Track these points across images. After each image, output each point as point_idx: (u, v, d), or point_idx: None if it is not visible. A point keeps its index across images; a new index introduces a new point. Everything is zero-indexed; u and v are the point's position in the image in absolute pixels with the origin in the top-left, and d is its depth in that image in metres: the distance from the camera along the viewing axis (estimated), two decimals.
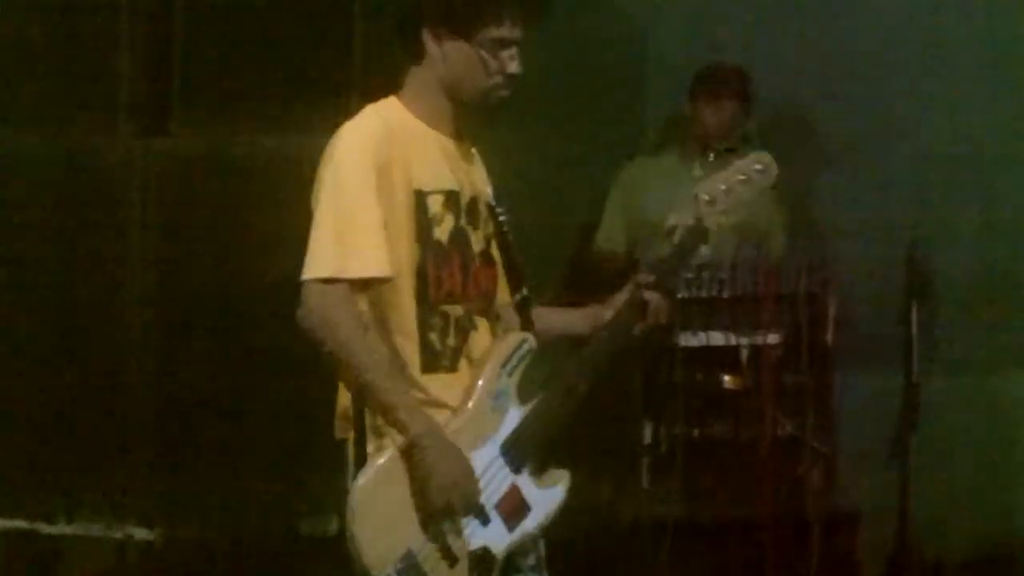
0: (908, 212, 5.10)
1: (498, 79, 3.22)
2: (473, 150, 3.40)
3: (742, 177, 3.44)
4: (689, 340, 4.44)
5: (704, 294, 4.49)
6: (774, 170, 3.47)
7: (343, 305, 3.09)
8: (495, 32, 3.19)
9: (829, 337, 4.52)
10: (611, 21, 5.29)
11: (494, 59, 3.21)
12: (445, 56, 3.22)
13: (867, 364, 4.83)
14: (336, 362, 3.12)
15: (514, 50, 3.22)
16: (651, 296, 3.38)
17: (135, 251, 4.77)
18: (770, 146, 4.95)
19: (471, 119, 3.32)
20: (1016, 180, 5.15)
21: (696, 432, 4.49)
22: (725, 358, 4.52)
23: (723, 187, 3.42)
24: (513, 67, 3.22)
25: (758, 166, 3.46)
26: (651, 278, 3.40)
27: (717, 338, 4.50)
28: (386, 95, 3.29)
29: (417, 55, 3.25)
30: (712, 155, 4.92)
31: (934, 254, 4.83)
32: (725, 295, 4.45)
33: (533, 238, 3.43)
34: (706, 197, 3.42)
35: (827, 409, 4.58)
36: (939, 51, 5.17)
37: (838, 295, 4.58)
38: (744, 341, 4.50)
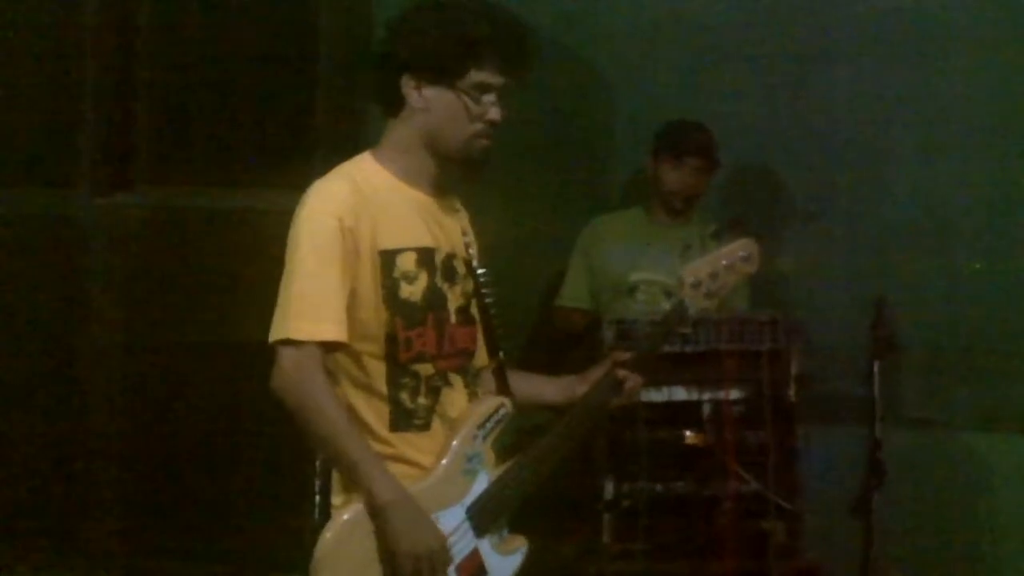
0: (873, 269, 5.14)
1: (480, 126, 3.21)
2: (458, 205, 3.39)
3: (726, 263, 3.49)
4: (652, 396, 4.43)
5: (667, 349, 4.48)
6: (757, 258, 3.53)
7: (315, 369, 3.09)
8: (477, 77, 3.19)
9: (792, 393, 4.52)
10: (579, 78, 5.31)
11: (477, 105, 3.19)
12: (427, 105, 3.20)
13: (831, 420, 4.86)
14: (305, 425, 3.11)
15: (495, 97, 3.21)
16: (626, 375, 3.42)
17: (97, 306, 4.77)
18: (735, 203, 5.20)
19: (455, 174, 3.30)
20: (983, 239, 5.18)
21: (659, 488, 4.47)
22: (688, 414, 4.52)
23: (708, 271, 3.47)
24: (495, 113, 3.21)
25: (743, 253, 3.53)
26: (627, 356, 3.44)
27: (679, 393, 4.50)
28: (351, 152, 3.29)
29: (396, 107, 3.23)
30: (673, 215, 4.98)
31: (898, 312, 4.85)
32: (688, 350, 4.45)
33: (500, 295, 3.43)
34: (691, 280, 3.46)
35: (791, 465, 4.57)
36: (907, 110, 5.20)
37: (802, 351, 4.59)
38: (707, 396, 4.50)
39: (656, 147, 4.99)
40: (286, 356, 3.09)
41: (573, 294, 5.08)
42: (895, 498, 4.79)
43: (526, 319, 5.21)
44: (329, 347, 3.13)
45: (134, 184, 4.79)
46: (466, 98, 3.18)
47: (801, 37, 5.25)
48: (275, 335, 3.11)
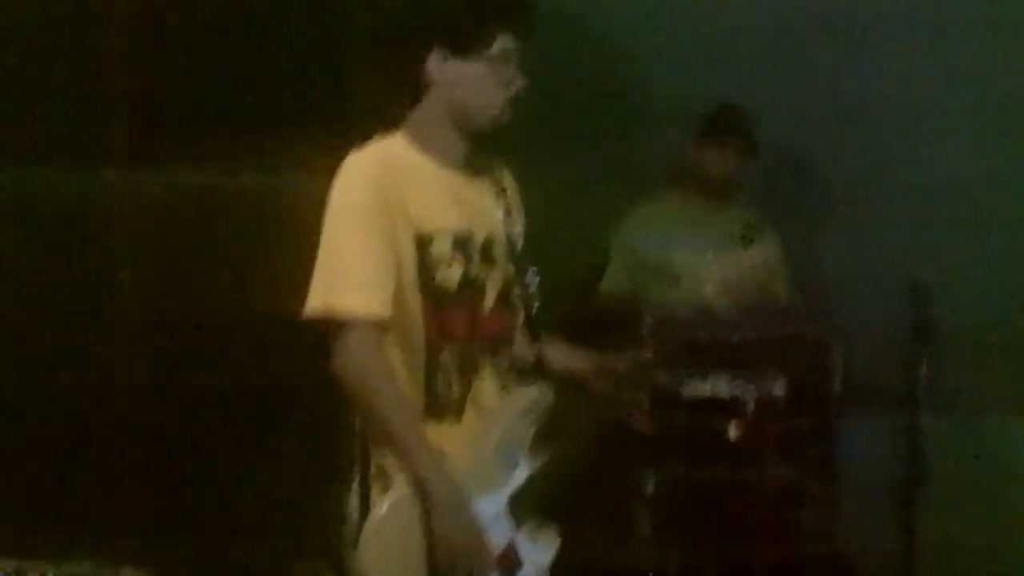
0: (913, 254, 5.06)
1: (508, 93, 3.16)
2: (505, 182, 3.34)
3: (754, 266, 3.49)
4: (691, 386, 4.37)
5: (707, 340, 4.43)
6: (784, 254, 3.53)
7: (379, 349, 3.06)
8: (502, 44, 3.14)
9: (835, 384, 4.47)
10: (614, 62, 5.25)
11: (504, 73, 3.15)
12: (454, 80, 3.15)
13: (871, 408, 4.80)
14: (365, 406, 3.08)
15: (515, 63, 3.18)
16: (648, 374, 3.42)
17: (127, 280, 4.71)
18: (773, 191, 5.13)
19: (484, 150, 3.26)
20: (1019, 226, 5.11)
21: (699, 480, 4.42)
22: (727, 404, 4.46)
23: (735, 275, 3.48)
24: (519, 79, 3.18)
25: (759, 250, 3.52)
26: (649, 357, 3.44)
27: (719, 383, 4.44)
28: (373, 132, 3.23)
29: (421, 86, 3.18)
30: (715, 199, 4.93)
31: (939, 297, 4.79)
32: (727, 340, 4.39)
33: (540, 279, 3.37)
34: (719, 283, 3.47)
35: (830, 455, 4.53)
36: (949, 93, 5.12)
37: (841, 338, 4.54)
38: (746, 387, 4.44)
39: (697, 131, 4.94)
40: (344, 335, 3.04)
41: (614, 281, 5.02)
42: (936, 487, 4.73)
43: (566, 304, 5.12)
44: (381, 326, 3.08)
45: (160, 161, 4.72)
46: (496, 67, 3.14)
47: (841, 19, 5.17)
48: (321, 308, 3.06)
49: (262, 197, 4.59)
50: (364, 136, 3.24)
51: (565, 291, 5.03)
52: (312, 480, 3.86)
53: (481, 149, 3.27)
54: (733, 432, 4.42)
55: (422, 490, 3.04)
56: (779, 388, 4.42)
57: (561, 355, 3.42)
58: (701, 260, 4.76)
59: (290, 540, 4.43)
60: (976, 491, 5.01)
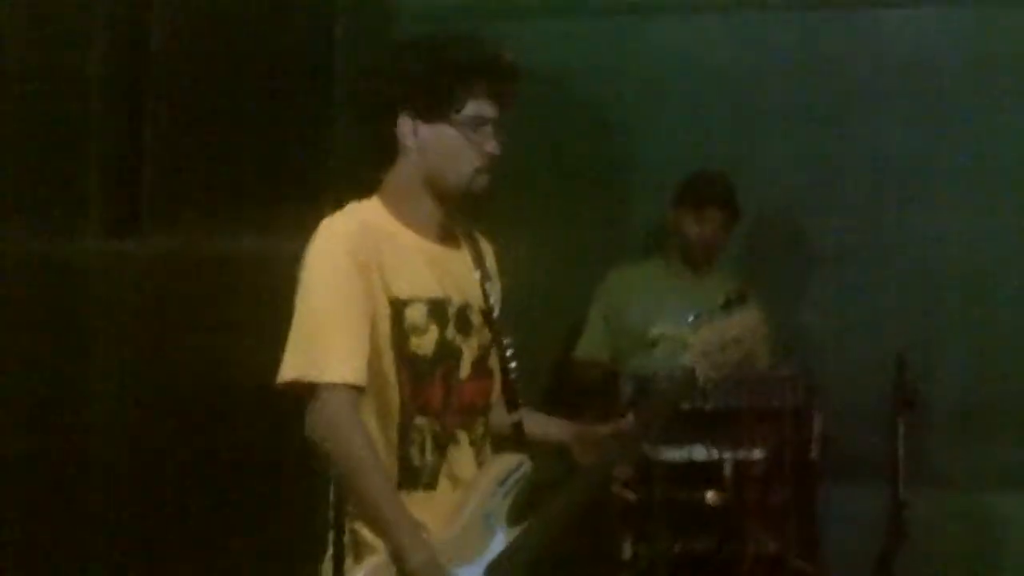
0: (896, 324, 5.06)
1: (481, 160, 3.12)
2: (482, 244, 3.31)
3: (736, 334, 3.47)
4: (671, 454, 4.32)
5: (687, 407, 4.38)
6: (766, 322, 3.52)
7: (354, 415, 3.00)
8: (474, 109, 3.11)
9: (814, 452, 4.43)
10: (597, 125, 5.25)
11: (476, 137, 3.11)
12: (424, 144, 3.12)
13: (853, 479, 4.77)
14: (339, 473, 3.01)
15: (491, 129, 3.13)
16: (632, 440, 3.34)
17: (105, 354, 4.64)
18: (756, 254, 5.11)
19: (461, 217, 3.23)
20: (1010, 294, 5.10)
21: (677, 548, 4.37)
22: (708, 473, 4.41)
23: (717, 342, 3.45)
24: (493, 146, 3.13)
25: (740, 317, 3.51)
26: (634, 425, 3.35)
27: (699, 452, 4.40)
28: (366, 195, 3.20)
29: (390, 153, 3.15)
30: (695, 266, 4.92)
31: (922, 368, 4.77)
32: (708, 408, 4.35)
33: (517, 345, 3.32)
34: (700, 349, 3.43)
35: (811, 526, 4.48)
36: (932, 161, 5.13)
37: (823, 408, 4.50)
38: (727, 455, 4.40)
39: (677, 197, 4.92)
40: (319, 400, 2.98)
41: (591, 346, 4.99)
42: (917, 560, 4.69)
43: (543, 370, 5.11)
44: (356, 391, 3.02)
45: (141, 226, 4.67)
46: (466, 131, 3.11)
47: (823, 85, 5.19)
48: (296, 374, 3.01)
49: (242, 263, 4.55)
50: (341, 201, 3.21)
51: (543, 357, 5.08)
52: (288, 551, 3.79)
53: (461, 213, 3.24)
54: (711, 499, 4.37)
55: (398, 558, 2.98)
56: (758, 456, 4.38)
57: (539, 425, 3.36)
58: (680, 326, 4.72)
59: None
60: (953, 566, 4.96)
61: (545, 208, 5.02)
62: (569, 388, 5.01)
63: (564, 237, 5.12)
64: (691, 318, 4.53)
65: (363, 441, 3.00)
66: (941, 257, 5.14)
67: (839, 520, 4.70)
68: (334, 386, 2.98)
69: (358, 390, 3.02)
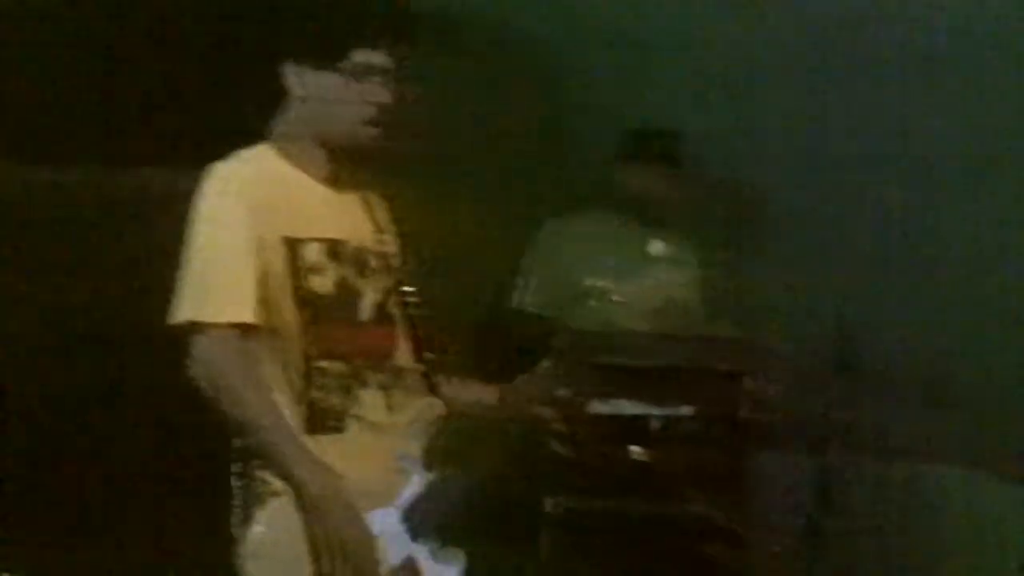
0: (841, 291, 5.01)
1: (368, 110, 3.09)
2: (373, 199, 3.29)
3: (671, 291, 3.46)
4: (598, 408, 4.30)
5: (615, 362, 4.36)
6: (703, 281, 3.49)
7: (232, 353, 2.98)
8: (360, 57, 3.08)
9: (745, 414, 4.41)
10: (541, 74, 5.19)
11: (363, 88, 3.09)
12: (311, 92, 3.11)
13: (786, 443, 4.75)
14: (227, 413, 3.00)
15: (382, 79, 3.11)
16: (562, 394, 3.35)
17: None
18: (699, 214, 5.08)
19: (353, 166, 3.20)
20: (955, 267, 5.06)
21: (601, 505, 4.35)
22: (637, 430, 4.39)
23: (652, 289, 3.44)
24: (382, 95, 3.10)
25: (678, 275, 3.49)
26: (559, 371, 3.36)
27: (627, 407, 4.38)
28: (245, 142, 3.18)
29: (279, 99, 3.14)
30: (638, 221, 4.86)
31: (863, 336, 4.75)
32: (637, 364, 4.32)
33: (449, 298, 3.34)
34: (620, 299, 3.44)
35: (740, 487, 4.47)
36: (891, 132, 5.05)
37: (759, 372, 4.49)
38: (655, 412, 4.38)
39: (620, 150, 4.87)
40: (200, 341, 2.99)
41: (524, 297, 4.92)
42: (851, 527, 4.69)
43: (477, 322, 5.01)
44: (244, 331, 3.01)
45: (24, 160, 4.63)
46: (351, 80, 3.09)
47: (786, 47, 5.11)
48: (181, 316, 3.01)
49: (130, 199, 4.52)
50: (236, 145, 3.19)
51: (477, 307, 5.05)
52: (200, 494, 3.76)
53: (366, 163, 3.23)
54: (636, 454, 4.36)
55: (301, 493, 2.98)
56: (686, 414, 4.37)
57: (463, 390, 3.37)
58: (615, 280, 4.72)
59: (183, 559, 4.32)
60: (888, 535, 4.96)
61: (484, 159, 4.96)
62: (503, 338, 4.99)
63: (503, 187, 5.06)
64: (626, 274, 4.59)
65: (251, 381, 2.99)
66: (890, 223, 5.11)
67: (771, 483, 4.68)
68: (221, 326, 2.98)
69: (248, 330, 3.01)
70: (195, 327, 2.99)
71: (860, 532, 4.84)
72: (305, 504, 2.97)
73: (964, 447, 4.96)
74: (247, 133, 3.21)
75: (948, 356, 5.04)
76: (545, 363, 3.37)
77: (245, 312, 3.01)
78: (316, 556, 2.98)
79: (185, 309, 3.01)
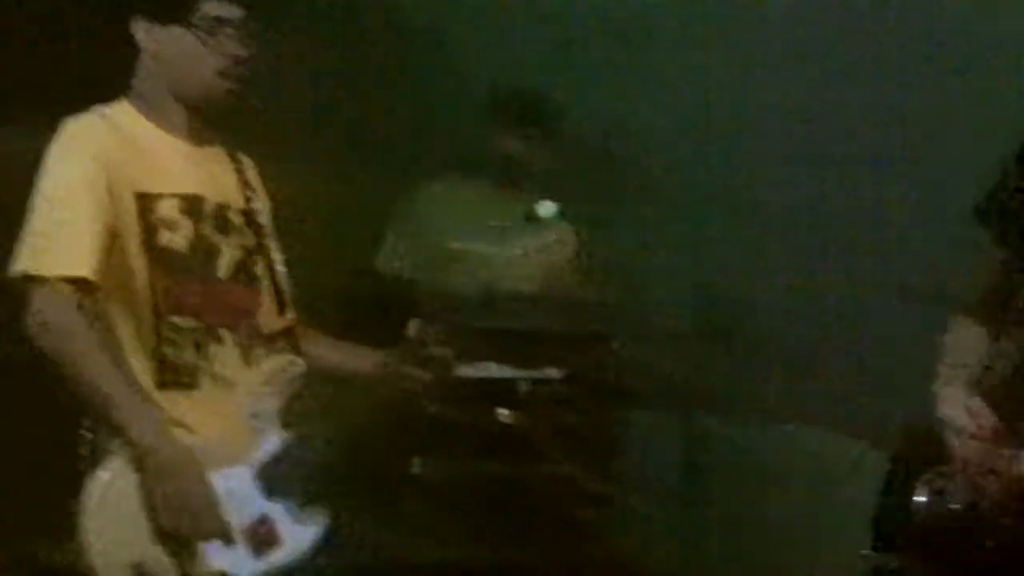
0: (707, 258, 5.06)
1: (221, 63, 3.05)
2: (239, 157, 3.26)
3: (541, 245, 3.44)
4: (465, 370, 4.30)
5: (483, 324, 4.36)
6: (573, 245, 3.47)
7: (66, 308, 2.92)
8: (210, 9, 3.05)
9: (611, 376, 4.44)
10: (411, 35, 5.18)
11: (215, 41, 3.04)
12: (161, 48, 3.06)
13: (652, 405, 4.78)
14: (62, 369, 2.93)
15: (234, 32, 3.07)
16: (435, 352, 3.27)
17: None
18: (568, 178, 5.08)
19: (215, 121, 3.17)
20: (816, 236, 5.09)
21: (467, 467, 4.35)
22: (503, 392, 4.40)
23: (520, 253, 3.42)
24: (235, 48, 3.06)
25: (556, 238, 3.47)
26: (432, 338, 3.28)
27: (494, 370, 4.39)
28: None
29: (131, 55, 3.09)
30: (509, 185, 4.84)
31: (726, 301, 4.79)
32: (505, 327, 4.33)
33: (314, 260, 3.33)
34: (488, 262, 3.42)
35: (607, 449, 4.50)
36: (757, 89, 5.07)
37: (626, 335, 4.51)
38: (522, 374, 4.40)
39: (491, 112, 4.87)
40: (35, 295, 2.93)
41: (390, 259, 4.90)
42: (713, 486, 4.74)
43: (342, 283, 5.00)
44: (82, 287, 2.95)
45: None
46: (201, 33, 3.05)
47: (653, 14, 5.13)
48: (18, 268, 2.95)
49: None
50: (90, 102, 3.14)
51: (343, 268, 5.03)
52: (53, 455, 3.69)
53: (223, 121, 3.18)
54: (504, 417, 4.37)
55: (143, 457, 2.93)
56: (554, 377, 4.39)
57: (333, 352, 3.34)
58: (482, 244, 4.71)
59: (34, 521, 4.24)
60: (746, 494, 5.00)
61: (352, 119, 4.93)
62: (368, 301, 4.97)
63: (370, 147, 5.05)
64: (495, 236, 4.58)
65: (85, 338, 2.93)
66: (763, 188, 5.14)
67: (637, 445, 4.71)
68: (57, 280, 2.93)
69: (88, 285, 2.96)
70: (31, 280, 2.94)
71: (721, 493, 4.90)
72: (142, 462, 2.92)
73: (823, 410, 5.02)
74: (110, 88, 3.16)
75: (819, 324, 5.10)
76: (412, 325, 3.33)
77: (82, 267, 2.94)
78: (153, 514, 2.93)
79: (22, 260, 2.96)
